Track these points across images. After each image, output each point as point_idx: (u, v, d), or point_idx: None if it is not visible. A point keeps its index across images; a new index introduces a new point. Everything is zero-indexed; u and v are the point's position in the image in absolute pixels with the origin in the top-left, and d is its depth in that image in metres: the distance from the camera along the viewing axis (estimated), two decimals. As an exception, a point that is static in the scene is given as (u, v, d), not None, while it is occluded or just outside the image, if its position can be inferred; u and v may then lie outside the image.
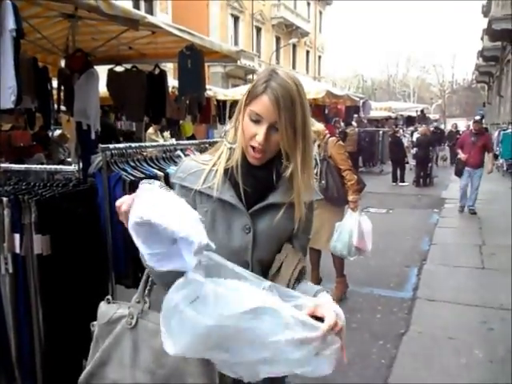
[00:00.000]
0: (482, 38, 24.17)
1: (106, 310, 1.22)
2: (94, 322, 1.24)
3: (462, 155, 7.99)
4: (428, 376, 2.90)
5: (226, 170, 1.21)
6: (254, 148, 1.15)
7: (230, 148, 1.22)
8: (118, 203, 1.02)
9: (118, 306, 1.21)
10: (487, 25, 17.42)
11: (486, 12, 22.43)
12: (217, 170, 1.21)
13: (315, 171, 3.87)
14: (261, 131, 1.13)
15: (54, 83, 5.02)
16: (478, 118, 8.57)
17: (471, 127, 8.80)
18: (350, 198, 3.87)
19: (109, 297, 1.25)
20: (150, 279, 1.19)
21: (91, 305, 2.30)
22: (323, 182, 3.91)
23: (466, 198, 8.04)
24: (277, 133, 1.14)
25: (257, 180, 1.21)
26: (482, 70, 27.51)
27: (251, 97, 1.15)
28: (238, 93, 10.21)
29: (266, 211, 1.21)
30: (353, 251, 3.86)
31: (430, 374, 2.93)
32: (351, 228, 3.82)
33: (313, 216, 1.31)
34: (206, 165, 1.23)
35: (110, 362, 1.16)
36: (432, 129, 16.28)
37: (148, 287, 1.20)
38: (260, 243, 1.21)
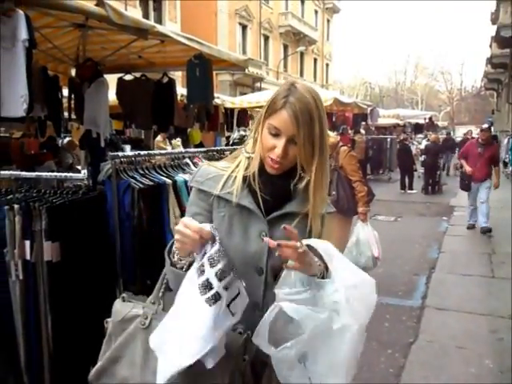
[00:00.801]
0: (490, 45, 24.05)
1: (120, 308, 1.25)
2: (108, 319, 1.26)
3: (467, 168, 7.07)
4: (437, 386, 2.88)
5: (244, 178, 1.24)
6: (272, 159, 1.19)
7: (249, 157, 1.26)
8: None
9: (132, 305, 1.24)
10: (495, 32, 17.35)
11: (494, 19, 22.35)
12: (235, 177, 1.25)
13: None
14: (279, 144, 1.17)
15: (65, 92, 5.10)
16: (485, 126, 7.54)
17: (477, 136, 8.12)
18: (361, 209, 3.87)
19: (124, 295, 1.27)
20: (165, 281, 1.21)
21: (99, 311, 2.32)
22: (334, 192, 3.84)
23: (475, 215, 7.23)
24: (295, 146, 1.18)
25: (274, 188, 1.24)
26: (490, 77, 27.35)
27: (271, 111, 1.19)
28: (246, 101, 10.27)
29: (282, 220, 1.23)
30: (375, 262, 3.95)
31: (438, 383, 2.90)
32: (368, 240, 3.86)
33: (324, 228, 1.33)
34: (225, 171, 1.27)
35: (121, 360, 1.19)
36: (444, 136, 16.15)
37: (163, 289, 1.22)
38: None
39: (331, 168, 3.90)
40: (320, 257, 1.13)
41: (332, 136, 4.02)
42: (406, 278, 4.91)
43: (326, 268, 1.12)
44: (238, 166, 1.27)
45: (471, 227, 7.27)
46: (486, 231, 6.86)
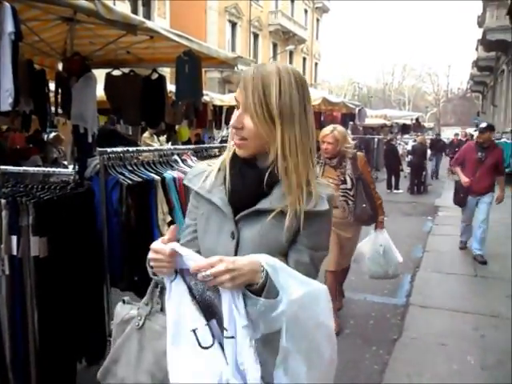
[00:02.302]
0: (476, 48, 24.45)
1: (120, 310, 1.29)
2: (112, 322, 1.32)
3: (462, 178, 5.45)
4: (420, 382, 2.92)
5: (220, 171, 1.18)
6: (234, 136, 1.11)
7: (229, 148, 1.20)
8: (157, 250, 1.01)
9: (130, 307, 1.27)
10: (482, 35, 17.66)
11: (480, 23, 22.70)
12: (212, 171, 1.19)
13: (351, 193, 3.46)
14: (234, 114, 1.10)
15: (52, 86, 5.04)
16: (484, 125, 5.64)
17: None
18: (381, 217, 3.74)
19: (125, 298, 1.31)
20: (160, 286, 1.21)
21: (86, 307, 2.32)
22: (364, 205, 3.47)
23: (469, 233, 5.89)
24: (251, 117, 1.06)
25: (246, 181, 1.12)
26: (476, 79, 27.81)
27: None
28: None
29: (254, 218, 1.11)
30: (399, 268, 3.93)
31: (422, 379, 2.95)
32: (391, 247, 3.81)
33: (323, 229, 1.15)
34: (210, 166, 1.22)
35: (120, 360, 1.22)
36: (433, 137, 16.08)
37: (157, 292, 1.22)
38: (244, 251, 1.10)
39: (355, 176, 3.49)
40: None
41: (350, 140, 3.66)
42: (391, 277, 4.97)
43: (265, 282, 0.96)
44: (220, 160, 1.21)
45: (464, 247, 5.99)
46: (482, 262, 5.34)
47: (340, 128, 3.58)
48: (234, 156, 1.15)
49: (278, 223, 1.09)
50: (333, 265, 3.54)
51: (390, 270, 3.81)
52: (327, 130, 3.53)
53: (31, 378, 2.08)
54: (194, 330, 0.99)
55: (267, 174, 1.10)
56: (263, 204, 1.10)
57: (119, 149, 2.52)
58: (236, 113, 1.09)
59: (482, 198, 5.47)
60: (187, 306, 1.00)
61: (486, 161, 5.36)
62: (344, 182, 3.48)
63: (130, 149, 2.61)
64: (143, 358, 1.18)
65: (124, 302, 1.30)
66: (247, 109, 1.06)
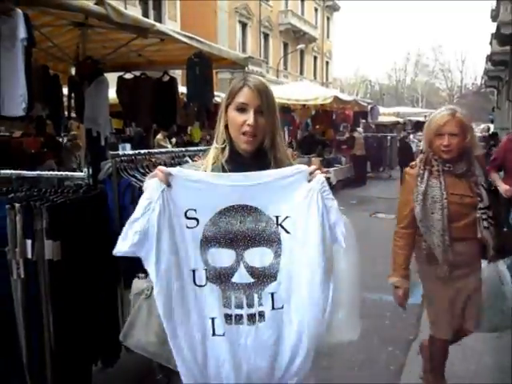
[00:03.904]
0: (490, 43, 24.02)
1: (135, 284, 1.71)
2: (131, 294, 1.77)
3: (501, 186, 3.66)
4: (437, 383, 2.88)
5: (216, 169, 1.34)
6: (245, 134, 1.29)
7: (216, 148, 1.37)
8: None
9: (144, 281, 1.67)
10: (496, 29, 17.35)
11: (494, 16, 22.32)
12: (205, 171, 1.35)
13: (490, 213, 2.26)
14: (250, 116, 1.29)
15: (65, 91, 5.10)
16: None
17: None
18: None
19: (140, 274, 1.73)
20: None
21: (100, 309, 2.33)
22: (505, 228, 2.50)
23: None
24: (262, 117, 1.30)
25: (247, 171, 1.31)
26: (491, 74, 27.31)
27: (232, 94, 1.33)
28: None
29: None
30: None
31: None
32: None
33: None
34: (198, 168, 1.37)
35: (135, 324, 1.56)
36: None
37: None
38: None
39: (484, 186, 2.26)
40: None
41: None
42: (406, 276, 4.90)
43: None
44: (207, 160, 1.38)
45: None
46: None
47: (460, 109, 2.21)
48: (231, 153, 1.34)
49: None
50: (444, 330, 2.45)
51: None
52: (444, 114, 2.13)
53: (47, 381, 2.11)
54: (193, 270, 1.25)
55: (262, 163, 1.33)
56: None
57: (131, 152, 2.54)
58: (249, 114, 1.29)
59: None
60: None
61: None
62: (480, 198, 2.22)
63: (142, 151, 2.63)
64: (151, 322, 1.52)
65: (139, 277, 1.69)
66: (262, 111, 1.30)
